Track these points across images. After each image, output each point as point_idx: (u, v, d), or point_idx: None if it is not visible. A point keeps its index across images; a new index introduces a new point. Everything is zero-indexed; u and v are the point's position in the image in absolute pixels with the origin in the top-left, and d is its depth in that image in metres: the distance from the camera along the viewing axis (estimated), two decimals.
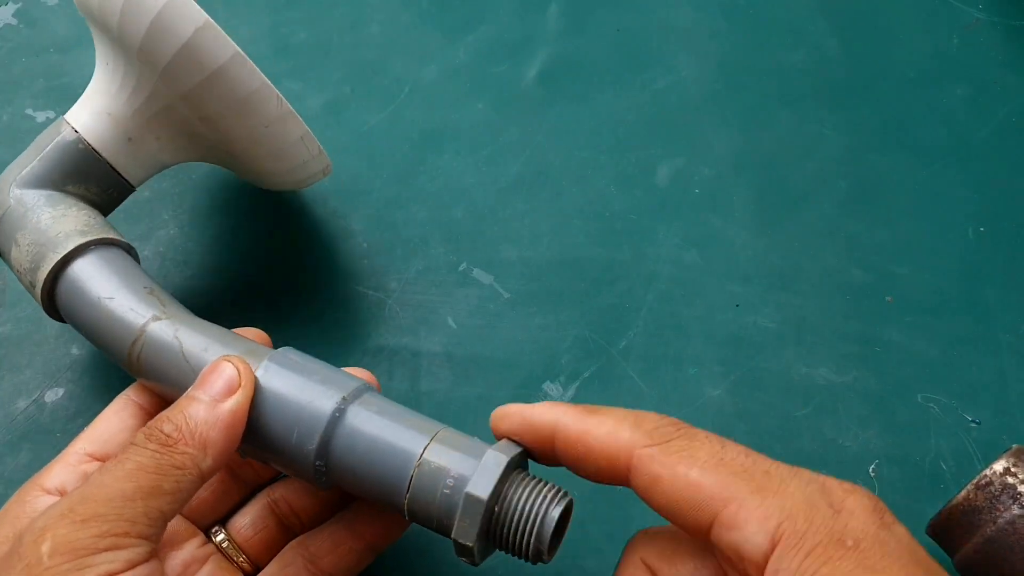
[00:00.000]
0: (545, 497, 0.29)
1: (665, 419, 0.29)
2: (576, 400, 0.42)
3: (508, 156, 0.49)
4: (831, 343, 0.44)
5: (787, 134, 0.50)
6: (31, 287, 0.36)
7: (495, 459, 0.29)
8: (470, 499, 0.29)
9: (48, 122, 0.48)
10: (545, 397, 0.43)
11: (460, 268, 0.46)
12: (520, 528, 0.29)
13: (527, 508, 0.29)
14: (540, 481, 0.30)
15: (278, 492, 0.36)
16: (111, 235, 0.36)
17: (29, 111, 0.49)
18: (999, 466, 0.35)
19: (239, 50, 0.35)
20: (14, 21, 0.51)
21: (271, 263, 0.45)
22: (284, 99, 0.37)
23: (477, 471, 0.29)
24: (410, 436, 0.31)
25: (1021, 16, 0.53)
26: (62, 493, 0.32)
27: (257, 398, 0.31)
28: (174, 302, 0.36)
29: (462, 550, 0.29)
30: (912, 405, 0.43)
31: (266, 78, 0.36)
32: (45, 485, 0.32)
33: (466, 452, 0.30)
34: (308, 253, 0.46)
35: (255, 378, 0.31)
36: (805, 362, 0.44)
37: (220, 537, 0.35)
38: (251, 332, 0.37)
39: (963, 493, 0.35)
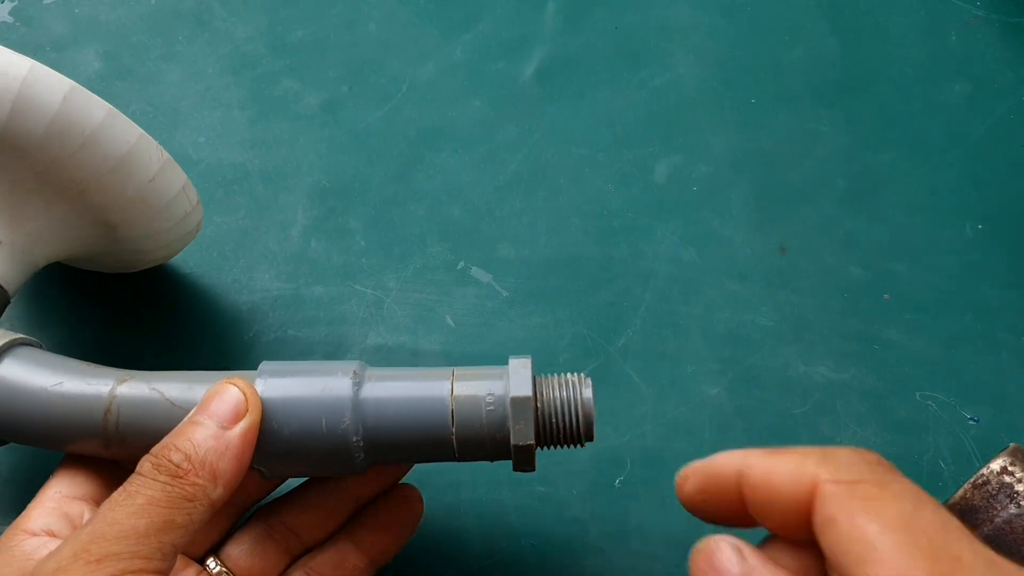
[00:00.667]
0: (573, 383, 0.32)
1: (861, 455, 0.25)
2: None
3: (506, 154, 0.49)
4: (829, 341, 0.44)
5: (785, 132, 0.50)
6: None
7: (520, 364, 0.32)
8: (517, 402, 0.31)
9: None
10: None
11: (458, 267, 0.46)
12: (565, 415, 0.31)
13: (564, 396, 0.31)
14: (560, 374, 0.32)
15: (274, 514, 0.35)
16: (16, 336, 0.33)
17: None
18: (996, 465, 0.35)
19: (111, 107, 0.33)
20: (10, 19, 0.51)
21: (269, 262, 0.45)
22: (162, 147, 0.35)
23: (510, 380, 0.31)
24: (432, 383, 0.32)
25: (1019, 13, 0.53)
26: (49, 535, 0.30)
27: (270, 412, 0.31)
28: (126, 370, 0.34)
29: (522, 456, 0.31)
30: (911, 403, 0.43)
31: (142, 130, 0.34)
32: (29, 528, 0.31)
33: (488, 375, 0.32)
34: (306, 251, 0.46)
35: (260, 404, 0.30)
36: (803, 360, 0.44)
37: (217, 568, 0.34)
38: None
39: (960, 492, 0.35)
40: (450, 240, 0.46)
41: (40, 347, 0.34)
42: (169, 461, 0.28)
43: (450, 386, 0.32)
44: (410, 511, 0.36)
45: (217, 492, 0.28)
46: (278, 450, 0.31)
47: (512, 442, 0.31)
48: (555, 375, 0.33)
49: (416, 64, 0.51)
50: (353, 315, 0.44)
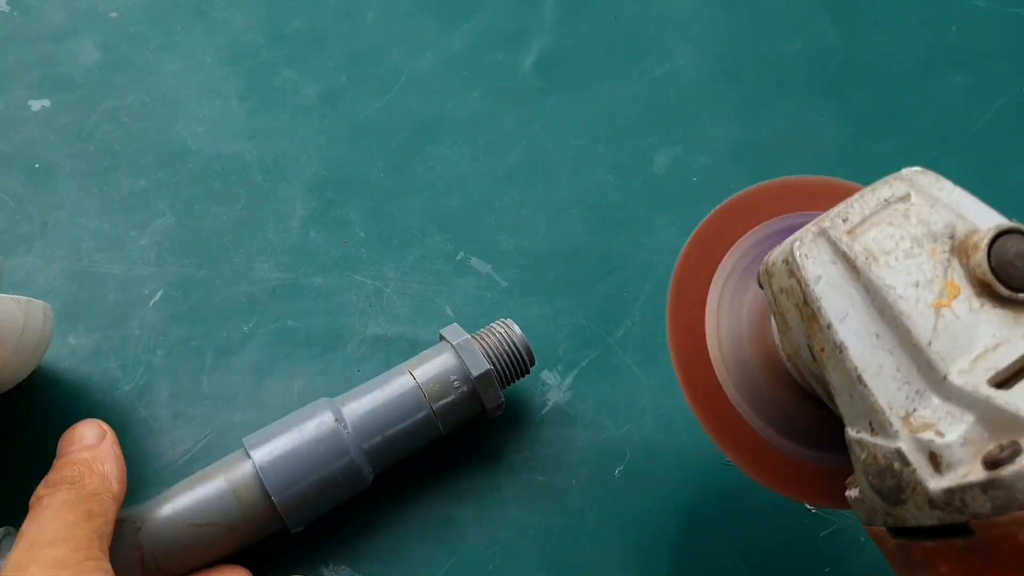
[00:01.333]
0: (502, 330, 0.39)
1: None
2: (573, 389, 0.43)
3: (505, 145, 0.49)
4: None
5: (785, 123, 0.50)
6: None
7: (453, 332, 0.39)
8: (462, 348, 0.38)
9: (44, 111, 0.48)
10: (543, 386, 0.43)
11: (457, 257, 0.46)
12: (508, 350, 0.39)
13: (499, 337, 0.39)
14: (487, 328, 0.40)
15: None
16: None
17: (25, 100, 0.48)
18: None
19: None
20: (7, 9, 0.51)
21: (268, 252, 0.45)
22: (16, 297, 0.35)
23: (455, 349, 0.38)
24: (397, 381, 0.38)
25: (1019, 5, 0.53)
26: None
27: (278, 472, 0.35)
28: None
29: (490, 393, 0.38)
30: None
31: None
32: None
33: (433, 354, 0.39)
34: (305, 242, 0.46)
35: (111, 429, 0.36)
36: None
37: None
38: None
39: None
40: (449, 231, 0.46)
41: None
42: (61, 477, 0.32)
43: (411, 376, 0.38)
44: None
45: (115, 486, 0.33)
46: (300, 499, 0.35)
47: (473, 377, 0.37)
48: (485, 330, 0.40)
49: (415, 55, 0.51)
50: (352, 305, 0.44)
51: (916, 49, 0.52)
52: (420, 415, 0.37)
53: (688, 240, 0.33)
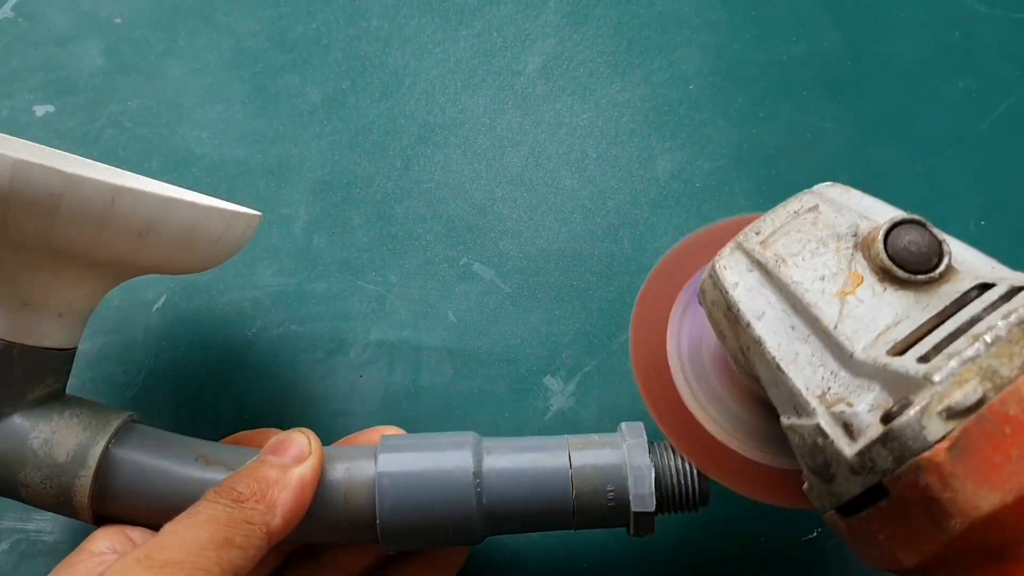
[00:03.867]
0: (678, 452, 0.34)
1: None
2: (576, 395, 0.43)
3: (508, 150, 0.49)
4: None
5: (788, 127, 0.50)
6: (66, 502, 0.32)
7: (634, 431, 0.34)
8: (636, 472, 0.33)
9: (48, 116, 0.48)
10: (546, 391, 0.43)
11: (460, 262, 0.46)
12: (681, 483, 0.33)
13: (679, 464, 0.33)
14: (664, 443, 0.34)
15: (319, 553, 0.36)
16: (126, 414, 0.34)
17: (29, 105, 0.49)
18: None
19: (168, 196, 0.31)
20: (12, 14, 0.51)
21: (272, 257, 0.45)
22: (226, 203, 0.34)
23: (628, 450, 0.33)
24: (550, 454, 0.33)
25: (1022, 8, 0.53)
26: (113, 553, 0.31)
27: (392, 487, 0.32)
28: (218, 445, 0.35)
29: (642, 523, 0.33)
30: None
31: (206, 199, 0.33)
32: (93, 549, 0.31)
33: (604, 443, 0.34)
34: (308, 247, 0.46)
35: (323, 452, 0.33)
36: None
37: None
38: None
39: None
40: (452, 236, 0.46)
41: (138, 420, 0.35)
42: (233, 488, 0.30)
43: (567, 456, 0.33)
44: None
45: (276, 521, 0.30)
46: (402, 524, 0.32)
47: (632, 509, 0.32)
48: (660, 444, 0.34)
49: (418, 59, 0.51)
50: (355, 311, 0.44)
51: (919, 53, 0.52)
52: (558, 501, 0.33)
53: (654, 268, 0.35)
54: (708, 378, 0.34)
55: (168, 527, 0.28)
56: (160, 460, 0.32)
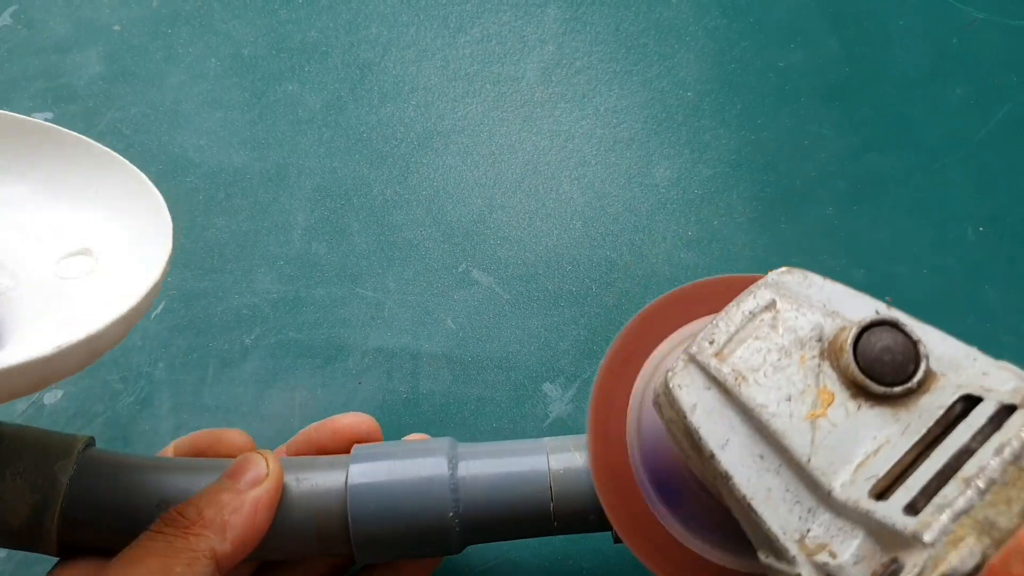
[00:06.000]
0: None
1: None
2: (575, 401, 0.42)
3: (507, 156, 0.49)
4: None
5: (786, 133, 0.50)
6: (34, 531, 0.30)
7: None
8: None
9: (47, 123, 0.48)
10: (544, 398, 0.42)
11: (459, 269, 0.46)
12: None
13: None
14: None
15: None
16: (66, 468, 0.31)
17: (28, 112, 0.49)
18: None
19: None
20: (11, 21, 0.51)
21: (270, 265, 0.45)
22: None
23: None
24: (527, 458, 0.32)
25: (1021, 16, 0.53)
26: None
27: (366, 496, 0.31)
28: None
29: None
30: None
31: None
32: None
33: (584, 444, 0.32)
34: (307, 254, 0.46)
35: (283, 472, 0.31)
36: None
37: None
38: (234, 433, 0.36)
39: None
40: (451, 242, 0.46)
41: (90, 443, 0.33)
42: (179, 516, 0.29)
43: (546, 459, 0.32)
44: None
45: (224, 548, 0.28)
46: (374, 533, 0.31)
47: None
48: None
49: (417, 66, 0.51)
50: (354, 317, 0.44)
51: (917, 59, 0.52)
52: (537, 505, 0.32)
53: (609, 349, 0.32)
54: (673, 471, 0.30)
55: (111, 565, 0.27)
56: (118, 517, 0.30)
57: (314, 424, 0.36)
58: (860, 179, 0.49)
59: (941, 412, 0.22)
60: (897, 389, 0.23)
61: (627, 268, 0.46)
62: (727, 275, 0.32)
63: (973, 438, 0.21)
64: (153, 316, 0.44)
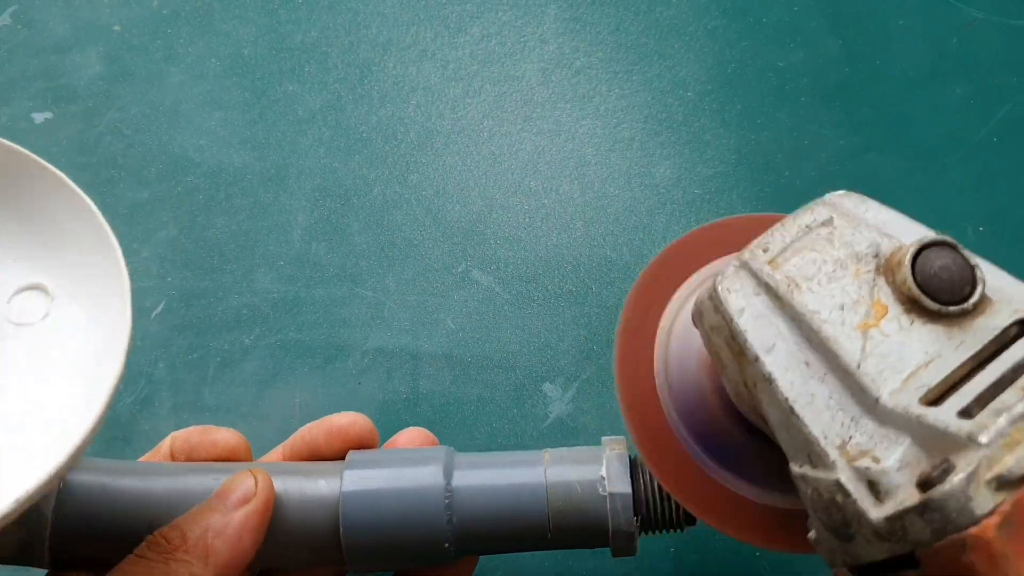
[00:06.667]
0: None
1: None
2: (575, 402, 0.42)
3: (507, 156, 0.49)
4: None
5: (786, 133, 0.50)
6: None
7: (615, 444, 0.32)
8: (616, 489, 0.30)
9: (47, 123, 0.48)
10: (544, 398, 0.43)
11: (459, 269, 0.46)
12: (664, 500, 0.31)
13: (665, 498, 0.31)
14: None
15: None
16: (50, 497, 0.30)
17: (28, 112, 0.49)
18: None
19: None
20: (11, 21, 0.51)
21: (270, 265, 0.45)
22: None
23: (608, 465, 0.31)
24: (525, 469, 0.31)
25: (1021, 16, 0.53)
26: None
27: (360, 504, 0.31)
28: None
29: (622, 542, 0.30)
30: None
31: None
32: None
33: (582, 458, 0.31)
34: (306, 254, 0.46)
35: (273, 491, 0.31)
36: None
37: None
38: (226, 433, 0.35)
39: None
40: (451, 242, 0.46)
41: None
42: (164, 539, 0.28)
43: (543, 472, 0.31)
44: None
45: (206, 572, 0.28)
46: (366, 542, 0.31)
47: (611, 529, 0.30)
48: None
49: (417, 66, 0.51)
50: (354, 317, 0.44)
51: (917, 59, 0.52)
52: (532, 518, 0.31)
53: (636, 280, 0.32)
54: (702, 400, 0.30)
55: None
56: (106, 544, 0.30)
57: (310, 424, 0.36)
58: (860, 179, 0.49)
59: (996, 333, 0.22)
60: (953, 308, 0.23)
61: (627, 268, 0.46)
62: (750, 214, 0.32)
63: None
64: (153, 316, 0.44)
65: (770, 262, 0.25)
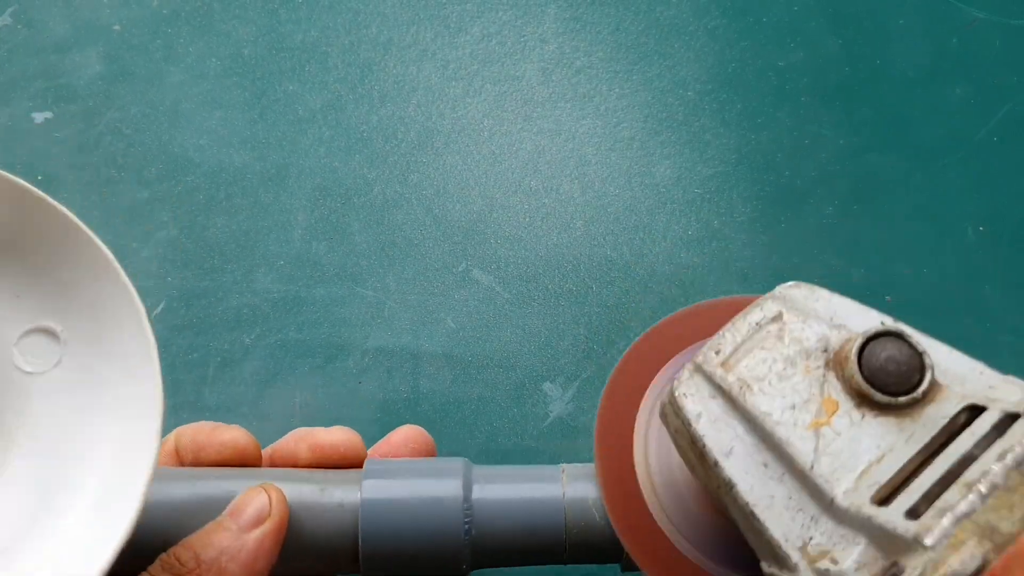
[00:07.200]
0: None
1: None
2: (575, 401, 0.42)
3: (507, 156, 0.49)
4: None
5: (786, 133, 0.50)
6: None
7: None
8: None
9: (47, 123, 0.48)
10: (545, 398, 0.43)
11: (459, 268, 0.46)
12: None
13: None
14: None
15: None
16: None
17: (28, 112, 0.49)
18: None
19: None
20: (11, 21, 0.51)
21: (271, 264, 0.45)
22: None
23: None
24: (543, 485, 0.32)
25: (1021, 15, 0.53)
26: None
27: (376, 514, 0.30)
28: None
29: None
30: None
31: None
32: None
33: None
34: (307, 253, 0.46)
35: (288, 509, 0.30)
36: None
37: None
38: (236, 431, 0.34)
39: None
40: (451, 241, 0.46)
41: None
42: (177, 560, 0.28)
43: (561, 487, 0.31)
44: None
45: None
46: (383, 552, 0.31)
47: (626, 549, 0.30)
48: None
49: (417, 65, 0.51)
50: (354, 317, 0.44)
51: (917, 59, 0.52)
52: (550, 534, 0.31)
53: (619, 361, 0.32)
54: (679, 492, 0.30)
55: None
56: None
57: (298, 432, 0.34)
58: (860, 179, 0.49)
59: (945, 421, 0.22)
60: (902, 399, 0.23)
61: (627, 267, 0.46)
62: (724, 297, 0.32)
63: (976, 445, 0.21)
64: (153, 316, 0.44)
65: (722, 364, 0.25)
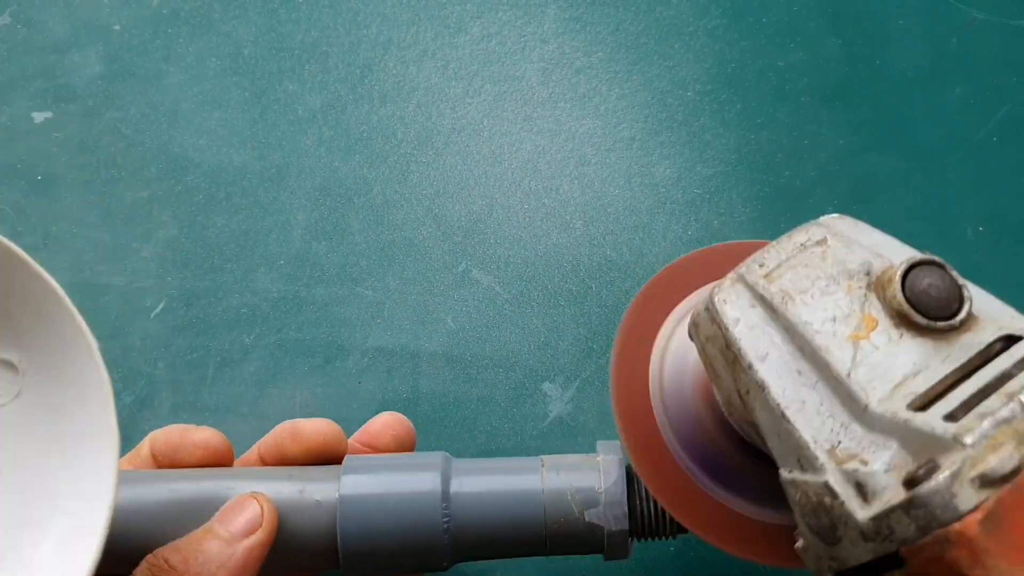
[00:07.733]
0: None
1: None
2: (575, 401, 0.42)
3: (507, 156, 0.49)
4: None
5: (786, 133, 0.50)
6: None
7: (610, 450, 0.32)
8: (611, 495, 0.31)
9: (47, 123, 0.48)
10: (544, 397, 0.43)
11: (459, 268, 0.46)
12: (658, 509, 0.31)
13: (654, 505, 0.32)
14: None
15: None
16: None
17: (28, 112, 0.49)
18: None
19: None
20: (10, 20, 0.51)
21: (270, 264, 0.45)
22: None
23: (603, 472, 0.32)
24: (522, 476, 0.32)
25: (1020, 16, 0.53)
26: None
27: (356, 509, 0.31)
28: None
29: (616, 548, 0.31)
30: None
31: None
32: None
33: (579, 465, 0.32)
34: (306, 253, 0.46)
35: (277, 519, 0.30)
36: None
37: None
38: (207, 432, 0.34)
39: None
40: (451, 241, 0.46)
41: None
42: (165, 562, 0.27)
43: (540, 479, 0.32)
44: None
45: None
46: (363, 548, 0.31)
47: (606, 537, 0.31)
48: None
49: (417, 65, 0.51)
50: (354, 317, 0.44)
51: (917, 59, 0.52)
52: (530, 525, 0.31)
53: (633, 300, 0.33)
54: (696, 418, 0.31)
55: None
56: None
57: (283, 425, 0.35)
58: (860, 179, 0.49)
59: (982, 347, 0.23)
60: (941, 324, 0.24)
61: (627, 267, 0.46)
62: (743, 241, 0.33)
63: (1015, 365, 0.22)
64: (153, 316, 0.44)
65: (765, 276, 0.26)
